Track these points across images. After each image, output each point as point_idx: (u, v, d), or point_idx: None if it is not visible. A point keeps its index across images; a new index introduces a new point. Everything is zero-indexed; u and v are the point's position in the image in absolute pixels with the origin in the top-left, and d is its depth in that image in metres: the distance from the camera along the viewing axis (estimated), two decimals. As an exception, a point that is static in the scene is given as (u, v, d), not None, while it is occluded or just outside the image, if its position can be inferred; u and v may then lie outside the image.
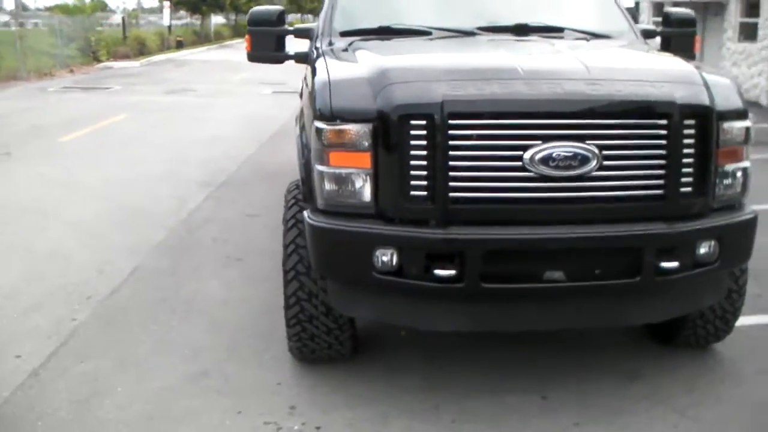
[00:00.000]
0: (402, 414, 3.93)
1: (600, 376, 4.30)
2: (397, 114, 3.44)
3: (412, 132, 3.43)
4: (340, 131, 3.55)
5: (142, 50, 30.56)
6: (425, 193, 3.47)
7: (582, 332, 4.76)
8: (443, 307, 3.69)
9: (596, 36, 4.92)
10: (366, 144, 3.51)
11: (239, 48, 41.08)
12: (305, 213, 3.79)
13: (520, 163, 3.39)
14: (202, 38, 40.27)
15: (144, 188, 8.77)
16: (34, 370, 4.34)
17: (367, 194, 3.56)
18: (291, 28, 5.29)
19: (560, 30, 4.91)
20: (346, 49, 4.52)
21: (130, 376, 4.29)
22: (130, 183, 9.03)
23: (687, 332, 4.39)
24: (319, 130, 3.60)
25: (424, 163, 3.44)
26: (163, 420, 3.86)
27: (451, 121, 3.38)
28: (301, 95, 8.17)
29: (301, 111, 8.22)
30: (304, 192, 3.95)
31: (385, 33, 4.83)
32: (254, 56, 5.27)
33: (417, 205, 3.49)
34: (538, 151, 3.38)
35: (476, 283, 3.48)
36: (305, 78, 5.30)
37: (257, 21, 5.20)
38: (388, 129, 3.45)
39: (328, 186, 3.62)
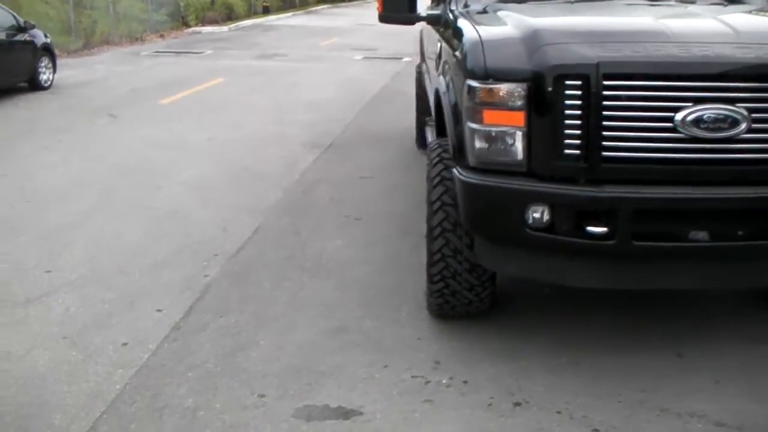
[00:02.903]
0: (542, 369, 3.92)
1: (731, 336, 4.24)
2: (553, 74, 3.45)
3: (567, 92, 3.45)
4: (494, 90, 3.55)
5: (229, 15, 30.73)
6: (578, 152, 3.48)
7: (712, 295, 4.73)
8: (591, 265, 3.68)
9: (730, 1, 4.82)
10: (520, 103, 3.52)
11: (326, 14, 41.43)
12: (455, 170, 3.80)
13: (671, 125, 3.40)
14: (287, 4, 40.32)
15: (252, 149, 8.82)
16: (175, 323, 4.40)
17: (519, 152, 3.57)
18: None
19: None
20: (485, 11, 4.52)
21: (271, 331, 4.31)
22: (238, 144, 9.09)
23: None
24: (472, 89, 3.60)
25: (578, 122, 3.46)
26: (311, 373, 3.87)
27: (605, 82, 3.40)
28: (423, 57, 8.17)
29: (419, 73, 8.31)
30: (452, 149, 3.88)
31: None
32: (386, 17, 5.19)
33: (569, 163, 3.51)
34: (689, 113, 3.38)
35: (627, 241, 3.47)
36: (434, 39, 5.31)
37: None
38: (543, 88, 3.47)
39: (481, 144, 3.63)
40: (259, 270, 5.18)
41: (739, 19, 4.24)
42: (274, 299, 4.73)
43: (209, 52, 20.09)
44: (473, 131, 3.64)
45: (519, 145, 3.56)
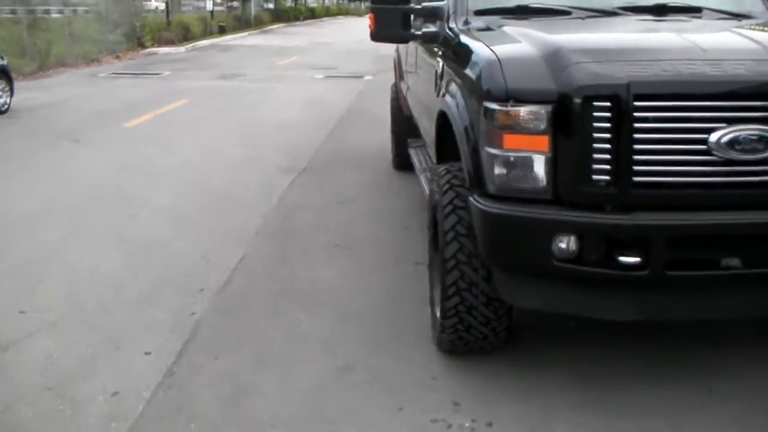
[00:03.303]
0: (566, 406, 3.70)
1: (764, 367, 4.06)
2: (581, 95, 3.25)
3: (596, 113, 3.23)
4: (516, 112, 3.33)
5: (185, 36, 30.28)
6: (607, 177, 3.27)
7: (743, 324, 4.50)
8: (621, 296, 3.47)
9: (737, 15, 4.66)
10: (544, 126, 3.30)
11: (281, 33, 41.28)
12: (471, 199, 3.58)
13: (704, 147, 3.22)
14: (243, 24, 40.02)
15: (225, 173, 8.53)
16: (168, 368, 4.09)
17: (543, 178, 3.35)
18: (418, 6, 4.94)
19: (698, 10, 4.66)
20: (488, 29, 4.30)
21: (272, 373, 4.02)
22: (210, 168, 8.80)
23: None
24: (490, 111, 3.39)
25: (607, 145, 3.25)
26: (322, 419, 3.60)
27: (636, 103, 3.20)
28: (402, 76, 7.95)
29: (397, 92, 8.09)
30: (467, 176, 3.65)
31: (523, 12, 4.59)
32: (378, 35, 4.92)
33: (598, 189, 3.29)
34: (724, 134, 3.21)
35: (660, 271, 3.27)
36: (427, 58, 5.09)
37: None
38: (570, 110, 3.26)
39: (501, 170, 3.41)
40: (250, 305, 4.89)
41: (765, 34, 4.09)
42: (271, 337, 4.44)
43: (167, 73, 19.71)
44: (492, 157, 3.42)
45: (543, 171, 3.34)
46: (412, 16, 4.87)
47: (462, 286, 3.77)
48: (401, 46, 8.28)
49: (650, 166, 3.24)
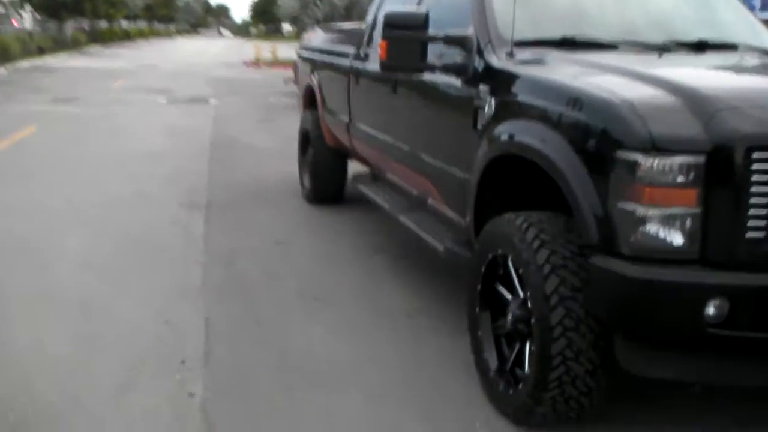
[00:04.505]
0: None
1: None
2: (741, 145, 2.90)
3: (754, 165, 2.88)
4: (662, 164, 2.93)
5: (4, 56, 28.00)
6: (762, 233, 2.92)
7: None
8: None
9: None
10: (695, 178, 2.92)
11: (101, 55, 39.31)
12: (596, 260, 3.12)
13: None
14: (60, 44, 37.76)
15: (126, 212, 7.55)
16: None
17: (690, 237, 2.97)
18: (440, 35, 4.39)
19: (735, 47, 4.58)
20: (541, 61, 3.99)
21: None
22: (104, 206, 7.75)
23: None
24: (629, 163, 2.97)
25: (764, 200, 2.90)
26: None
27: None
28: (324, 108, 7.34)
29: (315, 123, 7.46)
30: (588, 234, 3.16)
31: (568, 45, 4.24)
32: (391, 66, 4.36)
33: (752, 247, 2.94)
34: None
35: None
36: (450, 94, 4.56)
37: (398, 24, 4.29)
38: (724, 161, 2.92)
39: (641, 228, 2.99)
40: (251, 383, 4.10)
41: None
42: (295, 423, 3.73)
43: (-6, 96, 17.86)
44: (629, 213, 2.99)
45: (691, 229, 2.96)
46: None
47: (569, 355, 3.27)
48: (320, 74, 7.74)
49: None
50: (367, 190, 6.36)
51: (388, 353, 4.49)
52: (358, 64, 6.43)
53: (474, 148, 4.07)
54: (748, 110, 3.00)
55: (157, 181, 8.99)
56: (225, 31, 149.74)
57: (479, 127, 4.07)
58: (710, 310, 2.95)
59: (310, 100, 8.21)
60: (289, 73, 22.39)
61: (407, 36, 4.24)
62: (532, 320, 3.40)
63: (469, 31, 4.37)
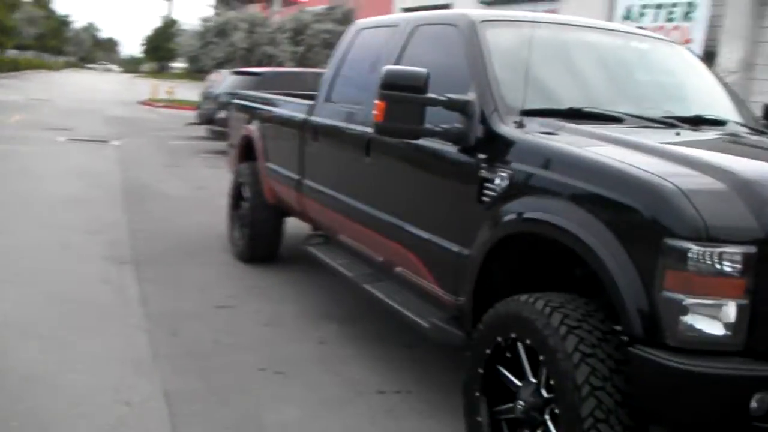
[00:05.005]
0: None
1: None
2: None
3: None
4: (715, 254, 2.88)
5: None
6: None
7: None
8: None
9: (752, 128, 4.75)
10: (745, 269, 2.87)
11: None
12: (639, 351, 3.00)
13: None
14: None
15: (50, 267, 7.01)
16: None
17: (738, 328, 2.91)
18: (442, 98, 4.15)
19: (724, 123, 4.68)
20: (559, 133, 3.84)
21: None
22: (23, 259, 7.18)
23: None
24: (680, 252, 2.89)
25: None
26: None
27: None
28: (267, 158, 7.04)
29: (254, 177, 7.16)
30: (630, 323, 3.04)
31: (575, 116, 4.14)
32: (387, 129, 4.10)
33: None
34: None
35: None
36: (446, 166, 4.35)
37: (398, 85, 4.01)
38: None
39: (688, 318, 2.90)
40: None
41: None
42: None
43: None
44: (677, 304, 2.90)
45: (739, 320, 2.90)
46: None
47: (600, 448, 3.12)
48: (263, 126, 7.47)
49: None
50: (321, 254, 6.08)
51: (368, 433, 4.24)
52: (316, 120, 6.18)
53: (477, 222, 3.90)
54: None
55: (78, 231, 8.45)
56: (113, 66, 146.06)
57: (485, 199, 3.89)
58: (756, 402, 2.89)
59: (246, 152, 7.89)
60: (189, 114, 22.04)
61: (408, 98, 4.02)
62: (557, 410, 3.25)
63: (470, 95, 4.20)
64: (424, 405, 4.62)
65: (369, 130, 5.15)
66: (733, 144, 4.20)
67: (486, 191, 3.90)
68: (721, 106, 4.98)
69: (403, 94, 4.00)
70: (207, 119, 17.21)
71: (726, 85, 5.26)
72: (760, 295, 2.89)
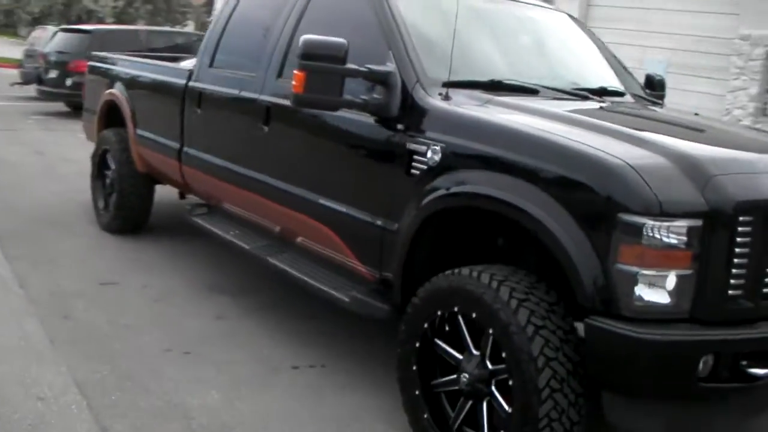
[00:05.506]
0: None
1: None
2: (733, 209, 3.12)
3: (741, 228, 3.14)
4: (665, 228, 3.05)
5: None
6: (741, 291, 3.18)
7: None
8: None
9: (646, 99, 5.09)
10: (693, 242, 3.08)
11: None
12: (595, 322, 3.15)
13: None
14: None
15: None
16: None
17: (683, 297, 3.12)
18: (363, 69, 4.08)
19: (623, 94, 4.97)
20: (489, 106, 3.93)
21: None
22: None
23: None
24: (633, 226, 3.05)
25: (745, 260, 3.16)
26: None
27: None
28: (134, 126, 6.75)
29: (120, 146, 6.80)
30: (584, 296, 3.17)
31: (495, 88, 4.23)
32: (307, 100, 3.99)
33: (734, 305, 3.19)
34: None
35: None
36: (362, 135, 4.33)
37: (316, 55, 3.91)
38: (718, 225, 3.11)
39: (641, 290, 3.09)
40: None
41: None
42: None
43: None
44: (631, 276, 3.07)
45: (685, 290, 3.11)
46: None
47: (554, 416, 3.27)
48: (131, 92, 7.12)
49: None
50: (210, 225, 5.89)
51: (297, 411, 4.23)
52: (198, 86, 5.94)
53: (406, 196, 3.90)
54: (740, 177, 3.22)
55: None
56: None
57: (415, 172, 3.90)
58: (701, 365, 3.11)
59: (109, 117, 7.50)
60: (11, 73, 20.48)
61: (328, 69, 3.94)
62: (510, 382, 3.34)
63: (389, 66, 4.16)
64: (344, 379, 4.63)
65: (266, 98, 5.04)
66: (650, 120, 4.41)
67: (415, 164, 3.91)
68: (611, 75, 5.23)
69: (324, 65, 3.93)
70: (34, 79, 16.14)
71: (613, 55, 5.48)
72: (704, 265, 3.10)
